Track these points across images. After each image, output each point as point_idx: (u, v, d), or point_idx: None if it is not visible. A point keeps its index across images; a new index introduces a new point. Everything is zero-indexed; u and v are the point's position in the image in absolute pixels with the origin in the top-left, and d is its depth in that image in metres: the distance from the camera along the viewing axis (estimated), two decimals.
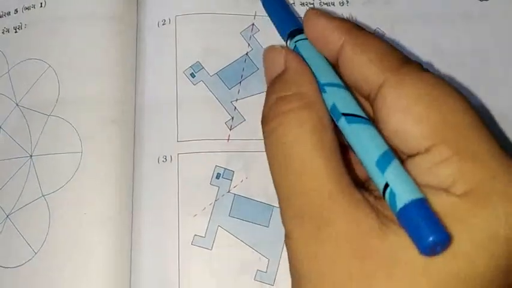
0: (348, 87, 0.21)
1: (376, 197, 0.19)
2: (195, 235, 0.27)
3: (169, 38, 0.30)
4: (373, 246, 0.17)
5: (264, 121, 0.21)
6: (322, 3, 0.32)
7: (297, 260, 0.19)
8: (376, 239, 0.17)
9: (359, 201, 0.18)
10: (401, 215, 0.17)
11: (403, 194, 0.17)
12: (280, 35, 0.26)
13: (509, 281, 0.18)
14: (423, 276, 0.17)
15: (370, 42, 0.21)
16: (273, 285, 0.26)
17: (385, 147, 0.19)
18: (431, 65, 0.30)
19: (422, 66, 0.21)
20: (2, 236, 0.27)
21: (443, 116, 0.19)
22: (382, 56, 0.20)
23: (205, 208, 0.27)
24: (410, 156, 0.19)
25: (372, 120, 0.20)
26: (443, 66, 0.30)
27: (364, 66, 0.20)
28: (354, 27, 0.22)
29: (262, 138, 0.22)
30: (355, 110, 0.20)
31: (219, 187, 0.27)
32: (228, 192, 0.27)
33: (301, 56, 0.23)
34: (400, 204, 0.17)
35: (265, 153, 0.21)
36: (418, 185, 0.18)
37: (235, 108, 0.29)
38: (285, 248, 0.20)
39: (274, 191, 0.21)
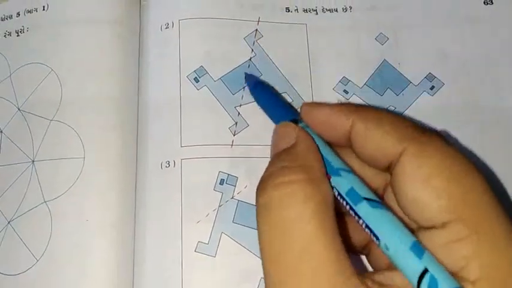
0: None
1: (373, 281, 0.19)
2: (199, 242, 0.26)
3: (173, 42, 0.30)
4: None
5: (263, 187, 0.20)
6: (325, 10, 0.31)
7: None
8: None
9: None
10: None
11: (445, 281, 0.17)
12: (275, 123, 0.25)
13: None
14: None
15: (382, 116, 0.21)
16: None
17: (414, 236, 0.19)
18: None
19: (442, 136, 0.21)
20: (3, 243, 0.27)
21: (462, 193, 0.18)
22: (397, 127, 0.20)
23: (208, 214, 0.27)
24: (424, 227, 0.19)
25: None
26: (447, 71, 0.30)
27: (380, 139, 0.20)
28: (359, 106, 0.22)
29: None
30: (373, 195, 0.20)
31: (222, 193, 0.27)
32: (232, 198, 0.27)
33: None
34: None
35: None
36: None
37: (239, 113, 0.29)
38: None
39: None
